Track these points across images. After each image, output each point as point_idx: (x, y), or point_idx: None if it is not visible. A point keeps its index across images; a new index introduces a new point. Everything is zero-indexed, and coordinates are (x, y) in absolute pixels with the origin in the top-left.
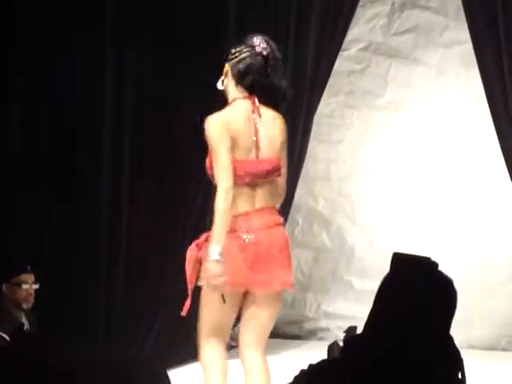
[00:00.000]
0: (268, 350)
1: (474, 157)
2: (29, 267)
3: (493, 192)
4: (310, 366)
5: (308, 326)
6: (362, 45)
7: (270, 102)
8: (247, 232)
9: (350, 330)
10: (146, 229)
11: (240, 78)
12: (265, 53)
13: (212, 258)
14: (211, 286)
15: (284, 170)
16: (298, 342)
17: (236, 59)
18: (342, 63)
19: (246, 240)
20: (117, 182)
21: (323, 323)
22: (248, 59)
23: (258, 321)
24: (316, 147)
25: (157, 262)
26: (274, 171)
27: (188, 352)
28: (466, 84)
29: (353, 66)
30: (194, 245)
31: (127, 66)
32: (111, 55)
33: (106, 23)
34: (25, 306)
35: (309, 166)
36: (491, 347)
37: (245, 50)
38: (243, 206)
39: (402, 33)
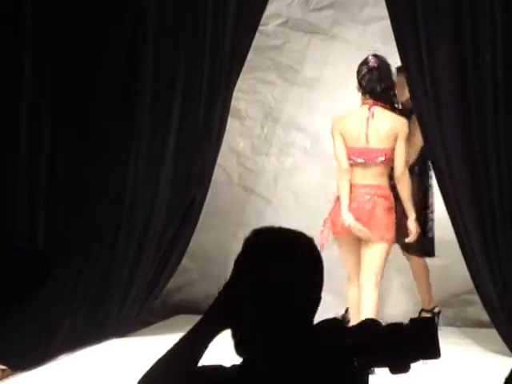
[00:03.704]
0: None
1: None
2: None
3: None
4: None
5: None
6: (280, 20)
7: (387, 104)
8: (353, 199)
9: None
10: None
11: (363, 90)
12: (376, 65)
13: (348, 220)
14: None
15: (397, 158)
16: None
17: (358, 76)
18: (260, 39)
19: (353, 205)
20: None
21: None
22: (366, 75)
23: (363, 262)
24: (233, 122)
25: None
26: (378, 157)
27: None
28: None
29: (271, 41)
30: (328, 215)
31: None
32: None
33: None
34: None
35: (227, 141)
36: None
37: (362, 67)
38: (356, 180)
39: (321, 9)
